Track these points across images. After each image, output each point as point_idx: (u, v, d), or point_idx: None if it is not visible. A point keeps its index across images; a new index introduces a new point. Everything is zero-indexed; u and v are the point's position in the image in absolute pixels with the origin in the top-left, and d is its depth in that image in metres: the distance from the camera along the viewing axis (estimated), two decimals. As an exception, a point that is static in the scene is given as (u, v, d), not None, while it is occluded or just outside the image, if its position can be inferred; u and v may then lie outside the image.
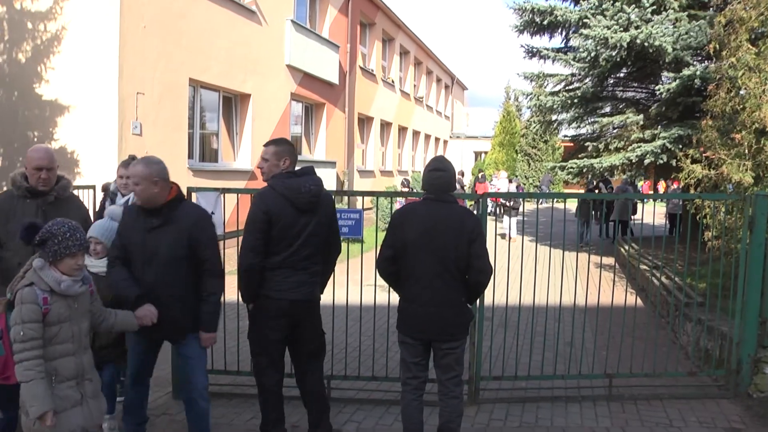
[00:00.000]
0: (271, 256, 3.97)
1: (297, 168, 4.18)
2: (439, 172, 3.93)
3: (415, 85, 30.57)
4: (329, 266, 4.36)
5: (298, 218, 3.96)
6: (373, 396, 5.29)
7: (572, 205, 19.60)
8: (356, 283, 5.24)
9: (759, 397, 5.24)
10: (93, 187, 6.58)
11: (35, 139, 11.38)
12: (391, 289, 4.56)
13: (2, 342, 3.37)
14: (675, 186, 24.92)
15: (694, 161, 8.23)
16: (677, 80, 11.08)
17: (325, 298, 4.47)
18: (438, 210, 3.86)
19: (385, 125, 26.24)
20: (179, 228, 3.82)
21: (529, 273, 5.59)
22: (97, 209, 7.23)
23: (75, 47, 11.10)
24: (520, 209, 17.55)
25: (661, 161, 11.73)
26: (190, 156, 13.29)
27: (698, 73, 10.70)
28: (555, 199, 15.46)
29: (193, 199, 5.23)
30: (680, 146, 11.14)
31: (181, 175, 12.47)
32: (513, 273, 5.29)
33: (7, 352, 3.33)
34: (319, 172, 15.82)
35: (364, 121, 23.89)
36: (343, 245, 4.61)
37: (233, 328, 6.19)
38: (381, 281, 4.22)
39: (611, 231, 16.21)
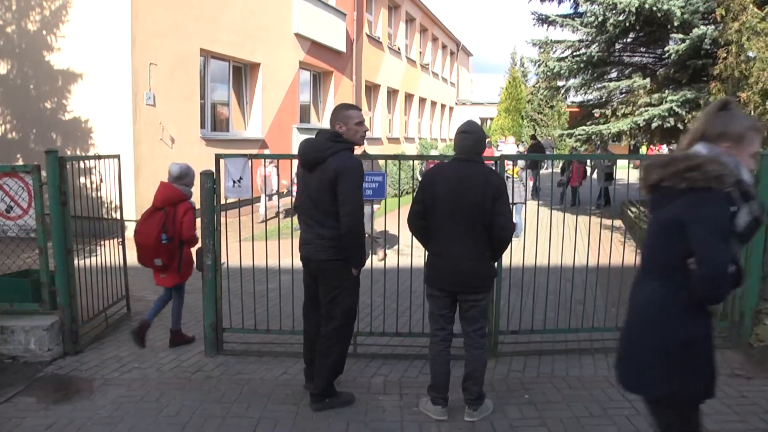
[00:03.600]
0: None
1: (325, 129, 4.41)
2: (466, 134, 4.18)
3: (420, 52, 30.51)
4: (343, 242, 4.20)
5: (301, 174, 4.34)
6: (397, 351, 5.56)
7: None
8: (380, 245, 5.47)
9: (759, 346, 5.50)
10: (118, 157, 6.73)
11: (48, 111, 11.58)
12: (412, 252, 4.81)
13: None
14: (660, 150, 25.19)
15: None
16: (687, 41, 11.11)
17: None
18: (464, 169, 4.11)
19: (392, 92, 26.30)
20: None
21: (540, 235, 5.82)
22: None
23: (85, 15, 11.24)
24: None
25: (668, 125, 11.85)
26: (203, 126, 13.48)
27: (709, 32, 10.69)
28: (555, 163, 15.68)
29: (221, 166, 5.46)
30: (688, 109, 11.25)
31: (194, 145, 12.69)
32: (526, 235, 5.53)
33: None
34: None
35: (371, 89, 23.97)
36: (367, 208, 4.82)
37: (262, 289, 6.49)
38: (402, 245, 4.45)
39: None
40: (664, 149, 24.48)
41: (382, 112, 24.79)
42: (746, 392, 4.68)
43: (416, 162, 10.62)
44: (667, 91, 12.32)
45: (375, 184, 5.40)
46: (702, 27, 11.02)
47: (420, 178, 4.62)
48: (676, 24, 11.42)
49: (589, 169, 16.89)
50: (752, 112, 7.40)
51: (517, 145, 24.49)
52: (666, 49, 11.98)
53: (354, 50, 21.10)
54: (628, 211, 12.88)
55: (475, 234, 4.06)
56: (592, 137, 13.48)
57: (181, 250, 5.66)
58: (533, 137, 24.93)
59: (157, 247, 5.48)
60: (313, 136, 4.30)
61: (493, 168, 4.96)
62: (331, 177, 4.10)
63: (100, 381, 5.04)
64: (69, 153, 11.13)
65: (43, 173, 5.45)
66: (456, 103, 39.64)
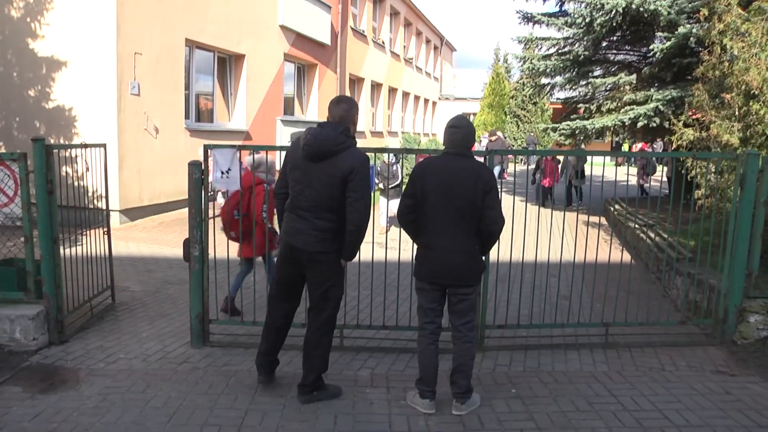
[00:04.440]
0: (288, 198, 4.35)
1: (328, 121, 4.32)
2: (456, 128, 4.21)
3: (404, 46, 30.50)
4: (346, 237, 4.22)
5: (302, 164, 4.20)
6: (383, 344, 5.58)
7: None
8: (366, 238, 5.47)
9: (743, 343, 5.62)
10: (104, 146, 6.67)
11: (31, 98, 11.44)
12: (400, 245, 4.80)
13: None
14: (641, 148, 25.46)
15: (686, 125, 8.47)
16: (672, 39, 11.20)
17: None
18: (455, 163, 4.14)
19: (376, 86, 26.28)
20: None
21: (527, 231, 5.86)
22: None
23: (70, 3, 11.10)
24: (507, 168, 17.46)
25: (654, 124, 11.96)
26: (187, 116, 13.38)
27: (694, 31, 10.78)
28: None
29: (210, 157, 5.43)
30: (673, 108, 11.35)
31: (179, 135, 12.61)
32: (510, 231, 5.56)
33: None
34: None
35: (355, 82, 23.94)
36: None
37: (249, 281, 6.47)
38: (389, 238, 4.44)
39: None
40: (649, 148, 24.79)
41: (366, 105, 24.77)
42: (730, 389, 4.76)
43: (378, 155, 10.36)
44: (652, 89, 12.42)
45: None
46: (687, 25, 11.12)
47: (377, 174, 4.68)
48: (662, 24, 11.52)
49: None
50: (736, 113, 7.49)
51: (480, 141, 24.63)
52: (651, 47, 12.06)
53: (338, 43, 21.05)
54: (612, 209, 12.99)
55: (466, 227, 4.10)
56: (576, 132, 13.55)
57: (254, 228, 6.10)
58: (492, 133, 24.69)
59: (231, 221, 6.25)
60: (317, 127, 4.20)
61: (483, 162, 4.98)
62: (345, 173, 4.08)
63: (86, 371, 5.00)
64: (53, 141, 10.99)
65: (30, 161, 5.38)
66: (439, 98, 39.68)
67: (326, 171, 4.11)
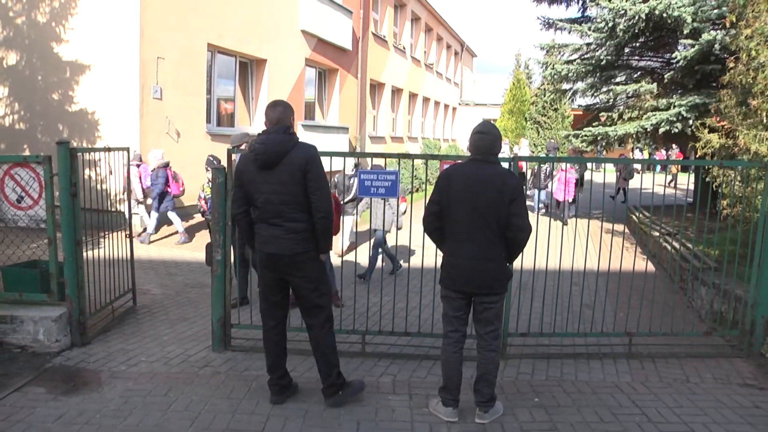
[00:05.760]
0: (253, 210, 4.33)
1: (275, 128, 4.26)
2: (483, 134, 4.16)
3: (425, 52, 30.46)
4: (317, 228, 4.25)
5: (259, 175, 4.20)
6: (405, 351, 5.56)
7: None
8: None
9: (771, 356, 5.51)
10: (127, 150, 6.71)
11: (55, 102, 11.56)
12: (423, 252, 4.76)
13: None
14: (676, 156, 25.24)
15: (711, 130, 8.36)
16: (696, 47, 11.07)
17: (361, 259, 4.67)
18: (481, 170, 4.10)
19: (396, 91, 26.26)
20: None
21: (548, 239, 5.80)
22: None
23: (94, 8, 11.23)
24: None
25: (676, 130, 11.81)
26: (208, 121, 13.46)
27: (719, 38, 10.63)
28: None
29: (233, 161, 5.45)
30: (696, 114, 11.21)
31: (200, 140, 12.67)
32: (535, 238, 5.51)
33: None
34: (333, 137, 15.85)
35: (376, 87, 23.93)
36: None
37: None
38: (412, 245, 4.41)
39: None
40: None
41: (386, 110, 24.76)
42: (759, 403, 4.66)
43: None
44: (674, 96, 12.29)
45: (388, 183, 5.39)
46: (712, 32, 10.98)
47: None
48: (686, 31, 11.39)
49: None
50: (763, 120, 7.38)
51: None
52: (674, 55, 11.93)
53: (359, 48, 21.07)
54: (634, 217, 12.86)
55: (492, 235, 4.06)
56: (598, 138, 13.44)
57: None
58: None
59: None
60: (262, 136, 4.21)
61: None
62: (302, 166, 4.12)
63: (108, 373, 5.03)
64: (76, 144, 11.10)
65: (54, 164, 5.43)
66: (459, 104, 39.57)
67: (285, 171, 4.14)
